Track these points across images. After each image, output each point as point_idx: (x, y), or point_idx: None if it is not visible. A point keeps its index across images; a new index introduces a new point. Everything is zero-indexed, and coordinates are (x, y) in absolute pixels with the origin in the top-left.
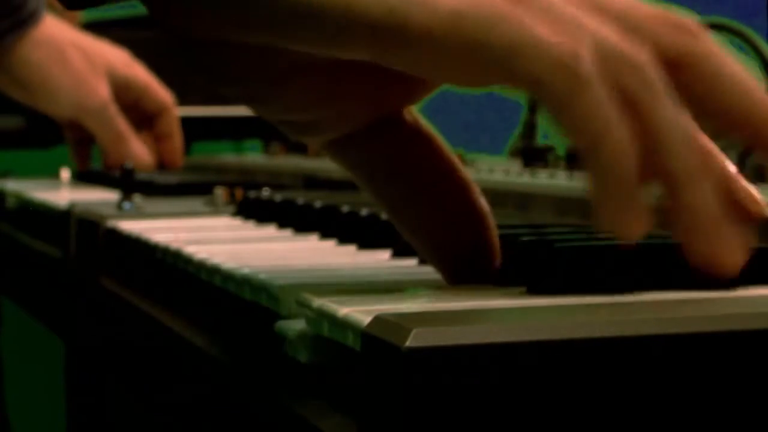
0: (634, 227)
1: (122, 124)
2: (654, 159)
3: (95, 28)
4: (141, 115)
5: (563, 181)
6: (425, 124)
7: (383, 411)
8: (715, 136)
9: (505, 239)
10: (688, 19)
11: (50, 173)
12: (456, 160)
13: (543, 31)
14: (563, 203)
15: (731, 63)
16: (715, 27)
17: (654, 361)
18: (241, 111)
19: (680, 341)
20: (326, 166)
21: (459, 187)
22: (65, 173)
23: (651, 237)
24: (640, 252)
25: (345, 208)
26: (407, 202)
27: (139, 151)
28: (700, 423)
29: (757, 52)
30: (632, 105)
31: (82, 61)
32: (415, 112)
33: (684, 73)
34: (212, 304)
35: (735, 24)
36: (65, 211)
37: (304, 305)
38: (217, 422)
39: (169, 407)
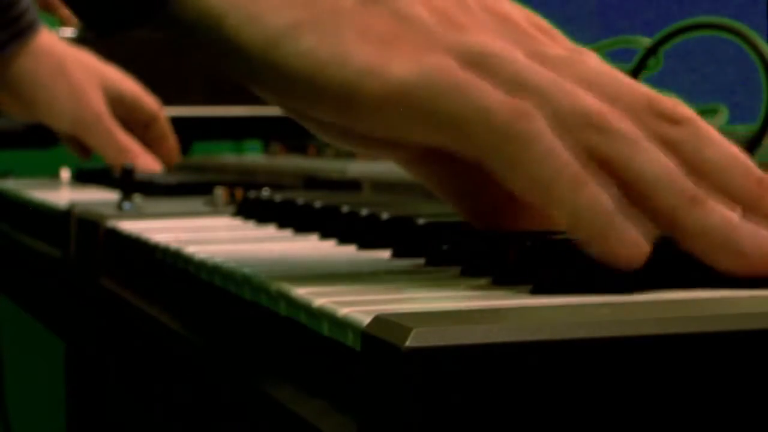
0: (627, 255)
1: (122, 138)
2: (645, 202)
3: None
4: (133, 124)
5: None
6: None
7: (383, 411)
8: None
9: (508, 239)
10: (675, 104)
11: (50, 173)
12: None
13: (490, 99)
14: None
15: (716, 145)
16: (715, 27)
17: (655, 361)
18: (241, 111)
19: (681, 341)
20: (326, 166)
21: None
22: (65, 173)
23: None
24: None
25: (345, 208)
26: (491, 212)
27: (145, 164)
28: (700, 423)
29: (757, 52)
30: (607, 162)
31: (80, 74)
32: None
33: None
34: (212, 305)
35: (735, 24)
36: (65, 211)
37: (305, 305)
38: (216, 422)
39: (169, 407)
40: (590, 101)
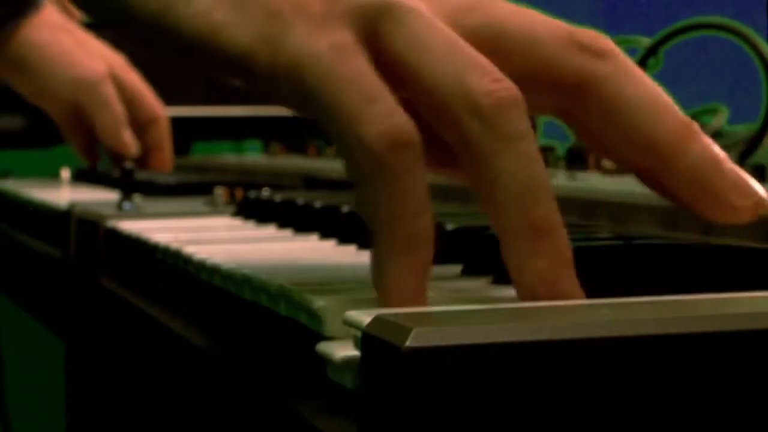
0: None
1: (119, 107)
2: (488, 209)
3: (96, 27)
4: (131, 122)
5: (563, 181)
6: None
7: (383, 411)
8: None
9: None
10: (596, 37)
11: (50, 173)
12: None
13: (367, 126)
14: (563, 203)
15: (639, 83)
16: (715, 27)
17: (654, 362)
18: (241, 111)
19: (681, 341)
20: (326, 166)
21: None
22: (65, 173)
23: (651, 237)
24: (640, 252)
25: (345, 208)
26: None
27: (129, 139)
28: (700, 423)
29: (757, 52)
30: (471, 154)
31: (77, 44)
32: None
33: (586, 98)
34: (212, 305)
35: (735, 24)
36: (65, 211)
37: (305, 305)
38: (216, 422)
39: (169, 407)
40: (481, 80)
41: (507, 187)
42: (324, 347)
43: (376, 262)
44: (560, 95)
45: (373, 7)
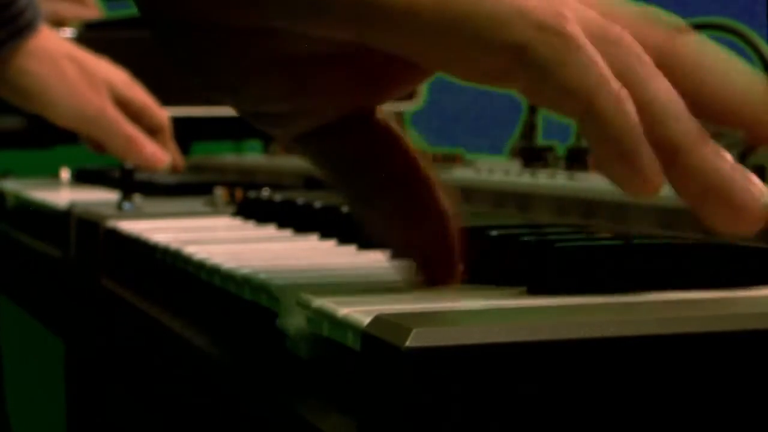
0: (648, 182)
1: (128, 128)
2: (651, 130)
3: (96, 28)
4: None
5: (563, 181)
6: (393, 123)
7: (383, 411)
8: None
9: (505, 239)
10: (671, 18)
11: (50, 173)
12: (423, 161)
13: (530, 1)
14: (563, 203)
15: (716, 56)
16: (715, 27)
17: (654, 362)
18: None
19: (680, 341)
20: None
21: (424, 188)
22: (65, 173)
23: (651, 237)
24: (640, 252)
25: (345, 208)
26: (371, 199)
27: (153, 151)
28: (700, 423)
29: (757, 52)
30: (623, 79)
31: (77, 73)
32: (383, 112)
33: (665, 70)
34: (212, 304)
35: (735, 24)
36: (65, 211)
37: (304, 305)
38: (216, 422)
39: (169, 407)
40: (610, 25)
41: (667, 103)
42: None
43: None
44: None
45: None
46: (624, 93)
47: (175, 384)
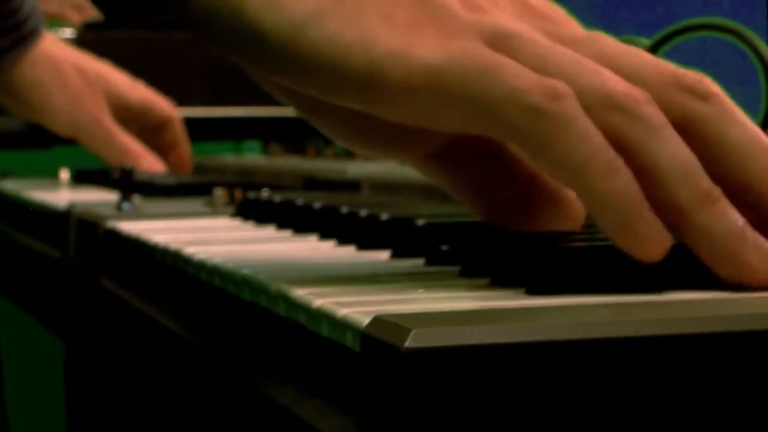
0: (651, 249)
1: (123, 140)
2: (655, 193)
3: (96, 28)
4: (145, 128)
5: None
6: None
7: (383, 411)
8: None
9: (506, 240)
10: (702, 80)
11: (50, 173)
12: (537, 170)
13: (522, 80)
14: None
15: (739, 125)
16: (715, 27)
17: (654, 362)
18: (241, 111)
19: (680, 342)
20: (326, 166)
21: (549, 196)
22: (64, 173)
23: None
24: None
25: (344, 209)
26: (500, 211)
27: (149, 164)
28: (700, 423)
29: (757, 52)
30: (626, 145)
31: (78, 81)
32: None
33: (688, 138)
34: (211, 305)
35: (735, 24)
36: (65, 211)
37: (304, 305)
38: (216, 422)
39: (169, 407)
40: (614, 81)
41: (670, 166)
42: None
43: (597, 202)
44: None
45: (497, 30)
46: (618, 163)
47: (174, 384)
